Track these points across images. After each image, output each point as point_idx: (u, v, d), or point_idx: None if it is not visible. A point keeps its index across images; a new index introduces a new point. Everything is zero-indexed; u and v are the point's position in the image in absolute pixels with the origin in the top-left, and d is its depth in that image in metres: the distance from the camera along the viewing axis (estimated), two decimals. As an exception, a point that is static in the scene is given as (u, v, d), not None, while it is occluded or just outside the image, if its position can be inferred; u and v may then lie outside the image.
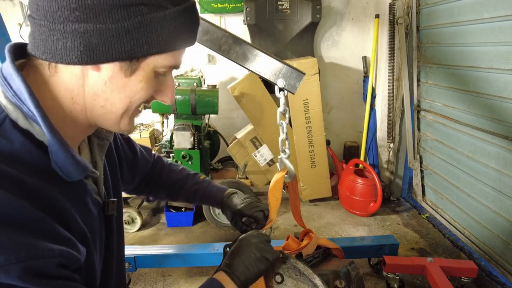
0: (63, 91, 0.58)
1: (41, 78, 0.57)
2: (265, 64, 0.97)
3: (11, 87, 0.55)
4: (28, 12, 0.57)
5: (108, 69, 0.56)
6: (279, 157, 1.08)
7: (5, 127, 0.54)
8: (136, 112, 0.65)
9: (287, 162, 1.05)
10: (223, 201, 1.11)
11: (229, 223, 3.01)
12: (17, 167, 0.52)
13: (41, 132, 0.56)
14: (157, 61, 0.58)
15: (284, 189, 1.10)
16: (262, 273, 0.84)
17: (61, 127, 0.59)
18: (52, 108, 0.58)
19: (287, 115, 1.06)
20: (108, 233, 0.76)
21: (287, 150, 1.06)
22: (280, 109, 1.02)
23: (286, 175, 1.07)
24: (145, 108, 2.57)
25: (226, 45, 0.96)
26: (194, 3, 0.61)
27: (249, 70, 0.98)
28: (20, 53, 0.60)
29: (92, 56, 0.53)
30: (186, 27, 0.60)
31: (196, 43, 0.69)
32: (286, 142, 1.05)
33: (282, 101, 1.01)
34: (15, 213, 0.49)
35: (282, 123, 1.03)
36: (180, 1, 0.58)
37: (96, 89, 0.58)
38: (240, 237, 0.89)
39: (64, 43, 0.52)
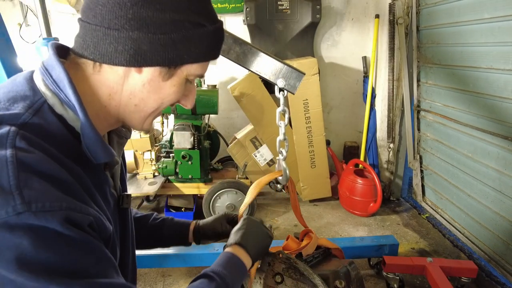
0: (103, 88, 0.64)
1: (83, 74, 0.64)
2: (265, 64, 0.97)
3: (51, 76, 0.61)
4: (79, 16, 0.64)
5: (149, 72, 0.63)
6: (277, 157, 1.08)
7: (43, 110, 0.59)
8: (159, 114, 0.72)
9: (283, 164, 1.05)
10: (197, 224, 1.08)
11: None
12: (52, 144, 0.57)
13: (74, 117, 0.62)
14: (189, 70, 0.67)
15: (283, 189, 1.10)
16: (267, 249, 0.93)
17: (93, 119, 0.63)
18: (89, 102, 0.64)
19: (286, 115, 1.06)
20: (123, 227, 0.80)
21: (284, 152, 1.06)
22: (280, 109, 1.01)
23: (280, 177, 1.07)
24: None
25: (226, 45, 0.96)
26: (222, 23, 0.72)
27: (249, 70, 0.98)
28: (60, 51, 0.66)
29: (139, 60, 0.61)
30: (216, 43, 0.70)
31: None
32: (285, 143, 1.05)
33: (281, 101, 1.01)
34: (56, 173, 0.54)
35: (280, 124, 1.03)
36: (215, 21, 0.68)
37: (134, 89, 0.65)
38: (244, 217, 0.95)
39: (116, 47, 0.60)
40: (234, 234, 0.89)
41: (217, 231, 1.05)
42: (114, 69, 0.62)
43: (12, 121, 0.56)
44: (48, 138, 0.57)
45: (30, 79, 0.63)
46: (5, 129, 0.54)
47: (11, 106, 0.58)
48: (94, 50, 0.61)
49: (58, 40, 1.91)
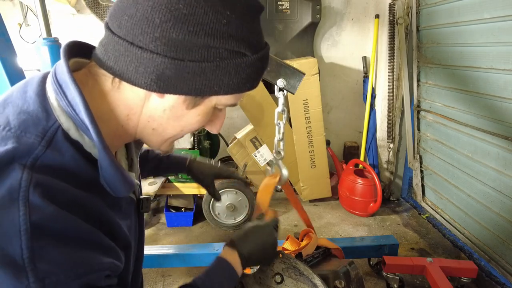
0: (121, 107, 0.58)
1: (101, 89, 0.58)
2: (265, 64, 0.97)
3: (66, 96, 0.54)
4: (106, 20, 0.57)
5: (172, 99, 0.57)
6: (271, 158, 1.08)
7: (57, 139, 0.53)
8: (180, 137, 0.66)
9: (280, 164, 1.05)
10: (190, 163, 1.19)
11: (229, 223, 3.01)
12: (67, 180, 0.52)
13: (90, 144, 0.56)
14: (220, 100, 0.60)
15: (282, 189, 1.10)
16: (271, 255, 0.90)
17: (110, 138, 0.59)
18: (106, 120, 0.59)
19: (285, 116, 1.05)
20: (140, 230, 0.78)
21: (282, 152, 1.05)
22: (278, 109, 1.02)
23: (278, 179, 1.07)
24: None
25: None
26: (268, 49, 0.62)
27: (249, 70, 0.98)
28: (77, 50, 0.61)
29: (161, 86, 0.54)
30: (257, 74, 0.61)
31: None
32: (281, 143, 1.05)
33: (280, 101, 1.01)
34: (69, 229, 0.50)
35: (279, 123, 1.03)
36: (259, 49, 0.58)
37: (153, 113, 0.59)
38: (253, 224, 0.91)
39: (137, 67, 0.53)
40: (235, 233, 0.88)
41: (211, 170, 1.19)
42: (135, 89, 0.56)
43: (24, 159, 0.50)
44: (62, 174, 0.52)
45: (42, 95, 0.56)
46: (17, 174, 0.48)
47: (22, 134, 0.51)
48: (114, 65, 0.54)
49: (57, 40, 1.91)
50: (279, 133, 1.03)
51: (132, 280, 0.75)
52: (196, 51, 0.52)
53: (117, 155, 0.71)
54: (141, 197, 0.77)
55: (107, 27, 0.56)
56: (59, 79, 0.55)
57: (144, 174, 1.16)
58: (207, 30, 0.51)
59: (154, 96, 0.57)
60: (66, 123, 0.55)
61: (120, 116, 0.59)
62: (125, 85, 0.56)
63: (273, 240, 0.88)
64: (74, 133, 0.55)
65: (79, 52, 0.62)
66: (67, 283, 0.48)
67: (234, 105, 0.64)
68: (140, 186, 0.82)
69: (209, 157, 2.99)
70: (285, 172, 1.06)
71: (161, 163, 1.16)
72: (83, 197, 0.53)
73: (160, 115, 0.59)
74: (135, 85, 0.55)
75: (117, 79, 0.56)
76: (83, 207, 0.53)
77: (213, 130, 0.68)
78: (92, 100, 0.56)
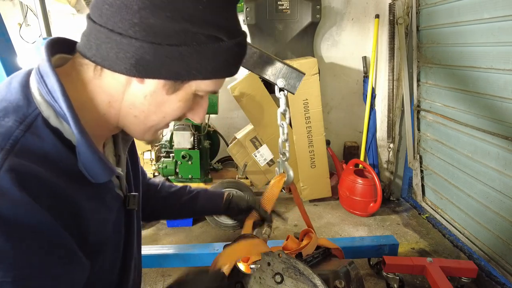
0: (102, 94, 0.60)
1: (84, 77, 0.59)
2: (265, 64, 0.97)
3: (46, 85, 0.56)
4: (88, 12, 0.58)
5: (152, 84, 0.58)
6: (278, 160, 1.08)
7: (37, 125, 0.54)
8: (165, 126, 0.66)
9: (286, 165, 1.05)
10: (226, 202, 1.11)
11: (228, 223, 3.00)
12: (46, 167, 0.52)
13: (70, 131, 0.57)
14: (200, 85, 0.61)
15: (283, 189, 1.11)
16: None
17: (91, 126, 0.60)
18: (88, 109, 0.59)
19: (287, 116, 1.06)
20: (129, 228, 0.77)
21: (287, 153, 1.05)
22: (281, 109, 1.02)
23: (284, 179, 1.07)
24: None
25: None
26: (246, 37, 0.64)
27: (249, 70, 0.98)
28: (62, 47, 0.62)
29: (140, 70, 0.55)
30: (235, 59, 0.63)
31: None
32: (286, 144, 1.05)
33: (282, 101, 1.01)
34: (30, 224, 0.48)
35: (282, 124, 1.03)
36: (235, 35, 0.60)
37: (134, 100, 0.60)
38: (190, 276, 0.82)
39: (117, 53, 0.54)
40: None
41: (248, 204, 1.11)
42: (115, 76, 0.58)
43: (3, 142, 0.50)
44: (42, 160, 0.52)
45: (25, 85, 0.57)
46: None
47: (1, 119, 0.52)
48: (96, 52, 0.56)
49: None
50: (283, 134, 1.03)
51: (120, 279, 0.74)
52: (173, 36, 0.54)
53: (105, 151, 0.72)
54: (129, 194, 0.76)
55: (89, 18, 0.57)
56: (41, 70, 0.57)
57: (172, 217, 1.16)
58: (184, 15, 0.53)
59: (134, 82, 0.58)
60: (46, 111, 0.56)
61: (102, 104, 0.60)
62: (107, 73, 0.58)
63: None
64: (54, 121, 0.56)
65: (66, 49, 0.63)
66: (1, 283, 0.45)
67: (214, 92, 0.65)
68: (132, 183, 0.80)
69: (208, 157, 2.99)
70: (291, 173, 1.06)
71: (196, 204, 1.11)
72: (60, 187, 0.53)
73: (142, 102, 0.60)
74: (115, 71, 0.56)
75: (99, 67, 0.57)
76: (57, 197, 0.52)
77: (195, 119, 0.68)
78: (74, 89, 0.58)
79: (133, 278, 0.81)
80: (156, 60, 0.55)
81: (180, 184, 1.16)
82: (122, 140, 0.76)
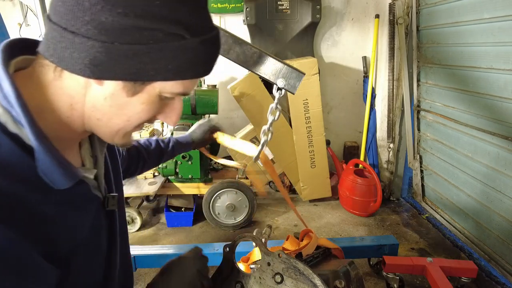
0: (63, 97, 0.57)
1: (44, 79, 0.56)
2: (265, 64, 0.97)
3: (2, 90, 0.53)
4: (47, 12, 0.55)
5: (111, 85, 0.55)
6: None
7: None
8: (135, 129, 0.63)
9: (262, 147, 1.14)
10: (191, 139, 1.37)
11: (229, 223, 3.01)
12: (3, 174, 0.50)
13: (29, 137, 0.54)
14: (164, 87, 0.57)
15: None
16: None
17: (55, 129, 0.58)
18: (49, 112, 0.57)
19: (278, 113, 1.07)
20: (111, 229, 0.75)
21: (264, 138, 1.13)
22: (273, 105, 1.03)
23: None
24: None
25: (226, 45, 0.96)
26: (217, 34, 0.59)
27: (249, 70, 0.99)
28: (27, 48, 0.60)
29: (95, 71, 0.52)
30: (202, 59, 0.58)
31: None
32: (269, 134, 1.10)
33: (276, 96, 1.02)
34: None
35: (269, 117, 1.05)
36: (199, 32, 0.55)
37: (95, 102, 0.57)
38: (180, 256, 0.86)
39: (71, 52, 0.51)
40: (161, 273, 0.82)
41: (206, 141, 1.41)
42: (74, 77, 0.54)
43: None
44: None
45: None
46: None
47: None
48: (53, 52, 0.53)
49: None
50: (268, 123, 1.09)
51: (106, 278, 0.73)
52: (126, 34, 0.50)
53: (81, 153, 0.70)
54: (108, 195, 0.73)
55: (47, 16, 0.55)
56: None
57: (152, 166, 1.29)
58: (137, 11, 0.50)
59: (94, 83, 0.55)
60: (3, 117, 0.53)
61: (64, 106, 0.57)
62: (66, 74, 0.55)
63: (192, 274, 0.83)
64: (11, 126, 0.53)
65: (32, 50, 0.60)
66: None
67: (184, 94, 0.60)
68: (113, 182, 0.79)
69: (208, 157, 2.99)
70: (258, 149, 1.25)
71: (174, 151, 1.33)
72: (19, 196, 0.50)
73: (102, 104, 0.56)
74: (72, 72, 0.53)
75: (58, 68, 0.55)
76: (16, 207, 0.50)
77: (168, 122, 0.65)
78: (34, 92, 0.55)
79: (122, 278, 0.80)
80: (109, 59, 0.51)
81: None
82: (98, 140, 0.73)
